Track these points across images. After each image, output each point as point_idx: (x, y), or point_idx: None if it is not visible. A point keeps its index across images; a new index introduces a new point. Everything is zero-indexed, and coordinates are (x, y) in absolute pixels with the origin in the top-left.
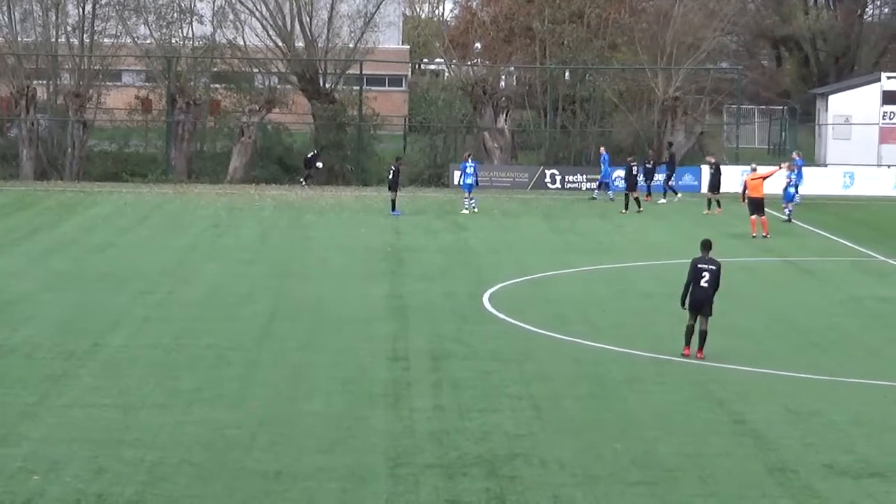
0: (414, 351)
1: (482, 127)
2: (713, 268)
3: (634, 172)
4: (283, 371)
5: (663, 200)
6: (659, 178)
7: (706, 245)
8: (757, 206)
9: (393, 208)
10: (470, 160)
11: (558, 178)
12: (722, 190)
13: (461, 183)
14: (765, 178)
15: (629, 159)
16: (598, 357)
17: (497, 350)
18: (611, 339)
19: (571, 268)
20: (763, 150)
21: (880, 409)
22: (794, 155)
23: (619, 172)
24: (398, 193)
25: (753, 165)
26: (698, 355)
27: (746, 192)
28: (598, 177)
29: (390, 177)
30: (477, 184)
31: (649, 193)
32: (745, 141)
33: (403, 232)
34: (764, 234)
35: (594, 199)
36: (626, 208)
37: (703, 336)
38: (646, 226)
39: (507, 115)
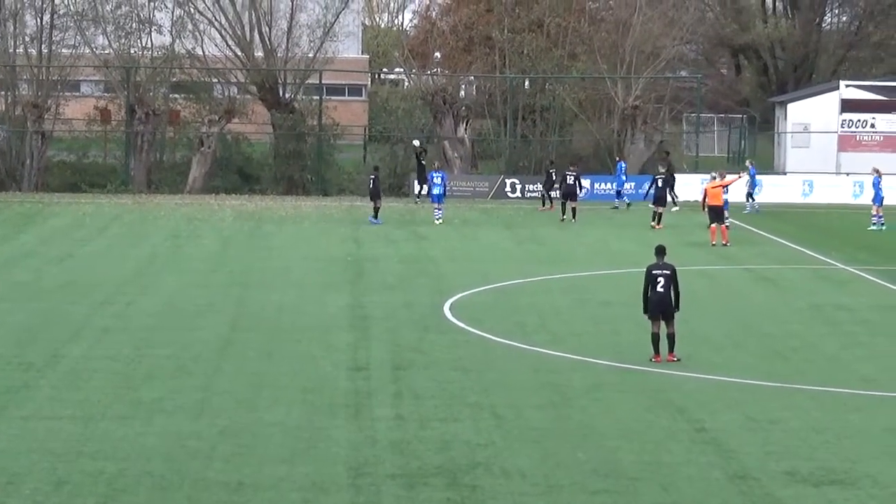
0: (375, 361)
1: (442, 136)
2: (667, 272)
3: (570, 182)
4: (243, 381)
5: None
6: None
7: (660, 251)
8: (717, 214)
9: (375, 216)
10: (438, 170)
11: (518, 186)
12: (682, 198)
13: (430, 194)
14: (725, 187)
15: (570, 169)
16: (558, 366)
17: (458, 359)
18: (571, 347)
19: (532, 277)
20: (722, 159)
21: (839, 416)
22: (748, 163)
23: (628, 183)
24: (380, 201)
25: (714, 174)
26: (670, 358)
27: (706, 200)
28: (613, 186)
29: (370, 186)
30: (444, 194)
31: (659, 203)
32: (705, 149)
33: (364, 241)
34: (724, 242)
35: (616, 208)
36: (564, 215)
37: (671, 339)
38: (606, 235)
39: (467, 125)
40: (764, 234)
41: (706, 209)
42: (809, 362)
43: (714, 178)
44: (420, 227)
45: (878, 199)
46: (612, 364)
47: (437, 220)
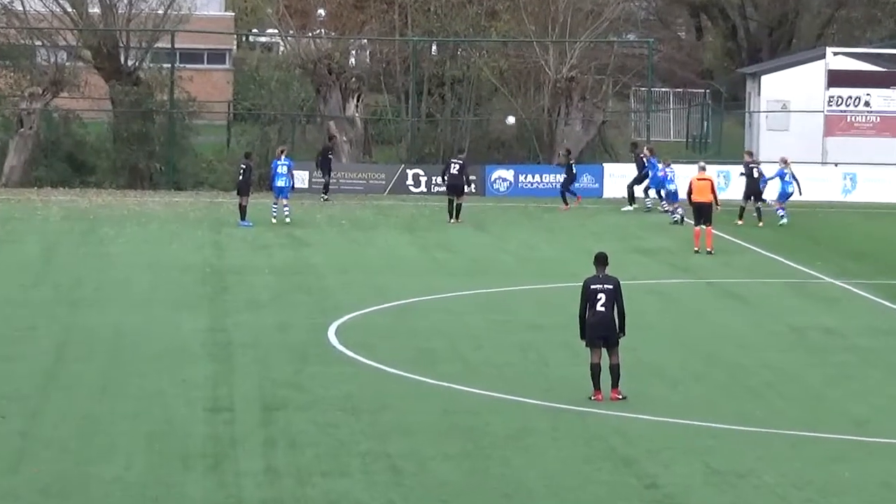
0: (240, 399)
1: (327, 115)
2: (609, 287)
3: (455, 172)
4: (72, 425)
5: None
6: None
7: (601, 260)
8: (703, 212)
9: (242, 217)
10: (283, 156)
11: (423, 179)
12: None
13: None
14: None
15: (456, 157)
16: (474, 405)
17: (346, 397)
18: (490, 382)
19: (441, 293)
20: (680, 144)
21: (824, 467)
22: (646, 150)
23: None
24: (249, 198)
25: (702, 163)
26: (614, 395)
27: (691, 195)
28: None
29: (240, 176)
30: (293, 187)
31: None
32: (659, 132)
33: (227, 248)
34: (708, 248)
35: (669, 214)
36: (451, 217)
37: (615, 371)
38: (534, 239)
39: (358, 101)
40: (731, 239)
41: (692, 206)
42: (788, 400)
43: (702, 168)
44: (300, 230)
45: (784, 193)
46: (542, 403)
47: (275, 217)
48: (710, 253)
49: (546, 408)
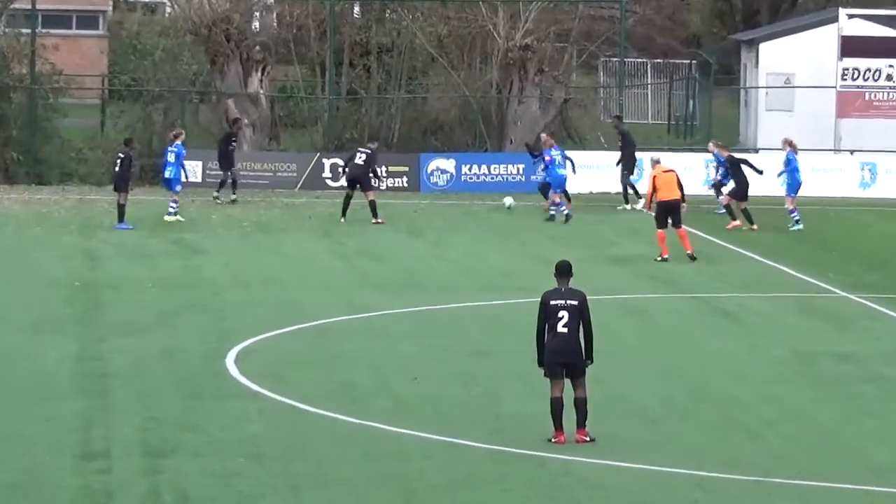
0: (118, 443)
1: (225, 92)
2: (573, 303)
3: (360, 163)
4: None
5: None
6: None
7: (563, 271)
8: (672, 212)
9: (120, 218)
10: (178, 141)
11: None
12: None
13: (162, 178)
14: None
15: (366, 145)
16: (406, 450)
17: (249, 440)
18: (426, 421)
19: (365, 311)
20: (661, 128)
21: None
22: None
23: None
24: (128, 195)
25: (657, 156)
26: (580, 437)
27: (655, 193)
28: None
29: (117, 168)
30: (186, 178)
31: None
32: (635, 112)
33: (101, 256)
34: (689, 252)
35: (553, 208)
36: (343, 215)
37: (581, 406)
38: (479, 245)
39: (263, 75)
40: (724, 244)
41: (651, 206)
42: (793, 442)
43: (657, 161)
44: (191, 235)
45: (794, 185)
46: (489, 447)
47: (170, 215)
48: (693, 258)
49: (495, 452)
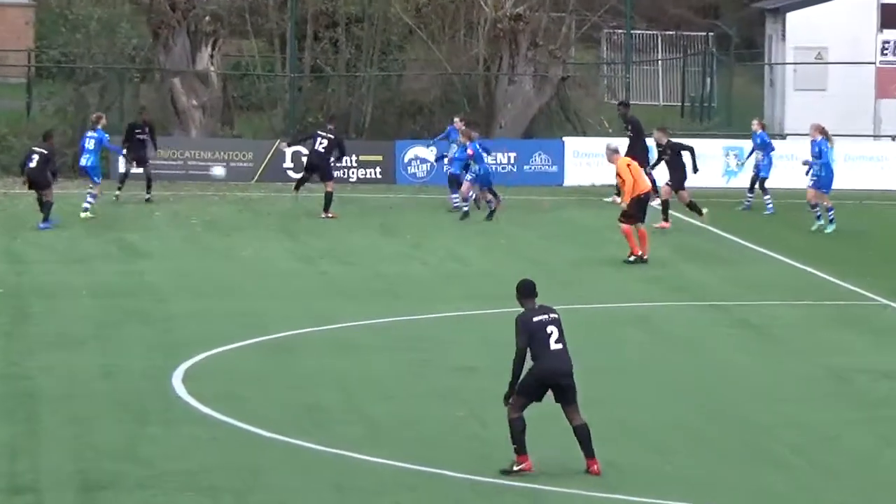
0: (48, 475)
1: (169, 69)
2: (555, 316)
3: (320, 149)
4: None
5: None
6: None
7: (527, 291)
8: (643, 207)
9: (46, 217)
10: (99, 125)
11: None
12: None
13: (81, 165)
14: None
15: (327, 129)
16: (379, 481)
17: (200, 471)
18: (402, 448)
19: (333, 322)
20: (673, 110)
21: None
22: (755, 126)
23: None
24: (52, 191)
25: (614, 144)
26: (597, 468)
27: (634, 186)
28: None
29: (32, 164)
30: (96, 167)
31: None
32: (643, 93)
33: (28, 260)
34: (641, 252)
35: (458, 204)
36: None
37: (583, 433)
38: (463, 247)
39: (214, 49)
40: (743, 242)
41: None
42: (824, 472)
43: (615, 151)
44: (132, 235)
45: (826, 180)
46: (473, 478)
47: (86, 211)
48: (644, 261)
49: (480, 484)
